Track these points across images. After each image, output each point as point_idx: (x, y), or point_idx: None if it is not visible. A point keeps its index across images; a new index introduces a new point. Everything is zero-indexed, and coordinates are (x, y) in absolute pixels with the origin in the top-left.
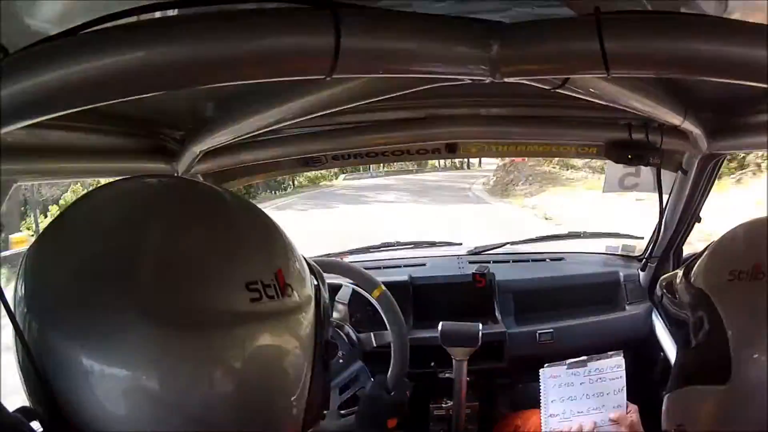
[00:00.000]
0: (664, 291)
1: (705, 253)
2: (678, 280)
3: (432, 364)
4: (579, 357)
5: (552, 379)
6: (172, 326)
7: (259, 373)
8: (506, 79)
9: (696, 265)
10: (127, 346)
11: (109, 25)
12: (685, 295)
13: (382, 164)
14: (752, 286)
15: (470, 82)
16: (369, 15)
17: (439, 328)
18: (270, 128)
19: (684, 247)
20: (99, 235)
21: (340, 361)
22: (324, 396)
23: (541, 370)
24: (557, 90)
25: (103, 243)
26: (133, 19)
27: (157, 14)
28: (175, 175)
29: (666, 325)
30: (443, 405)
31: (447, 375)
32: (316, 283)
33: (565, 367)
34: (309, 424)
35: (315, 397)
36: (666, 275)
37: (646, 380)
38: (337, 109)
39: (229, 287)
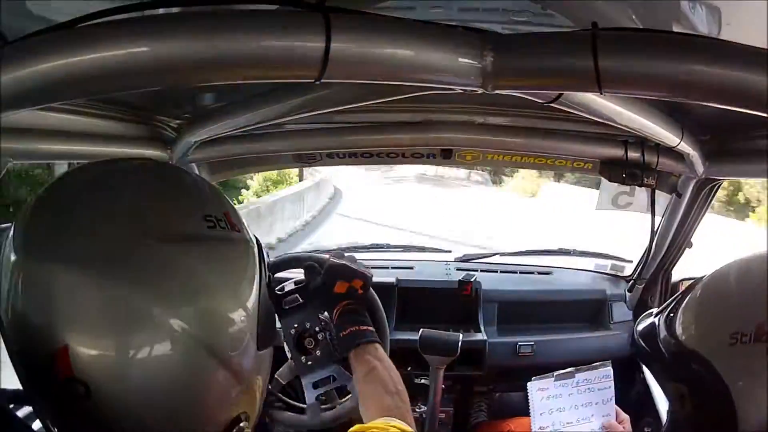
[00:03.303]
0: (646, 348)
1: (691, 305)
2: (660, 334)
3: (409, 368)
4: (556, 371)
5: (540, 392)
6: (153, 239)
7: (218, 281)
8: (498, 91)
9: (681, 318)
10: (114, 258)
11: (106, 20)
12: (678, 357)
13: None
14: (756, 350)
15: (462, 92)
16: (361, 20)
17: (419, 334)
18: (266, 123)
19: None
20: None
21: (317, 353)
22: (270, 330)
23: (528, 384)
24: (551, 104)
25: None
26: (129, 15)
27: (153, 12)
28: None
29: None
30: (416, 410)
31: (423, 381)
32: (256, 238)
33: (553, 379)
34: (261, 341)
35: (263, 320)
36: (643, 325)
37: (624, 401)
38: (332, 109)
39: (192, 216)
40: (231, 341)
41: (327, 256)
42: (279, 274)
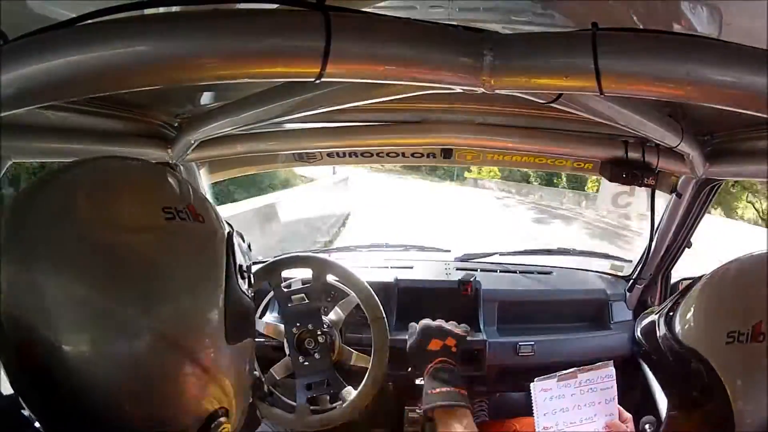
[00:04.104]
0: (646, 345)
1: (690, 304)
2: (660, 332)
3: (410, 369)
4: (559, 372)
5: (543, 392)
6: (109, 231)
7: (175, 271)
8: (498, 91)
9: (680, 316)
10: (72, 253)
11: (105, 18)
12: (676, 355)
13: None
14: (752, 349)
15: (462, 91)
16: (361, 20)
17: (419, 324)
18: (265, 122)
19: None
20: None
21: (316, 355)
22: (242, 324)
23: (531, 384)
24: (551, 104)
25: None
26: (128, 14)
27: (153, 10)
28: (169, 161)
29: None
30: (418, 410)
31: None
32: (229, 230)
33: (556, 379)
34: (232, 335)
35: (232, 312)
36: (643, 323)
37: (625, 401)
38: (332, 108)
39: (150, 208)
40: (191, 333)
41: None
42: (285, 273)
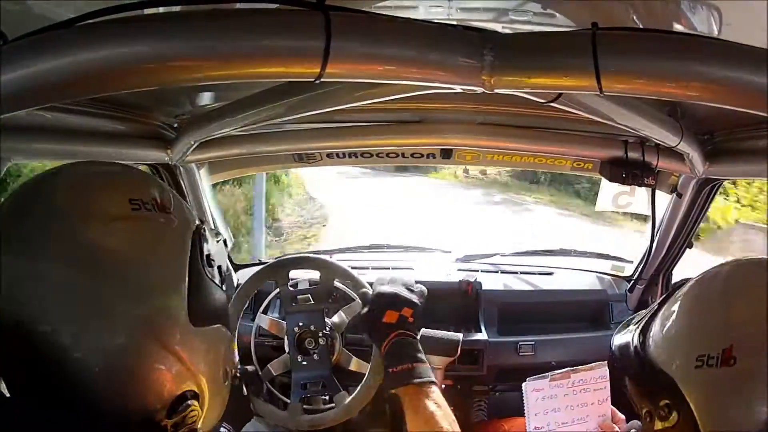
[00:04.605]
0: (619, 360)
1: (663, 321)
2: (632, 348)
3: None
4: (551, 372)
5: (535, 392)
6: (81, 221)
7: (141, 257)
8: (497, 91)
9: (653, 335)
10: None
11: (105, 19)
12: (647, 375)
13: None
14: (722, 374)
15: (462, 91)
16: (361, 20)
17: (420, 334)
18: (265, 123)
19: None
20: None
21: (314, 356)
22: (207, 308)
23: (523, 384)
24: (551, 104)
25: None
26: (128, 14)
27: (153, 10)
28: (169, 162)
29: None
30: None
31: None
32: (198, 223)
33: (548, 380)
34: (196, 318)
35: (196, 297)
36: (619, 339)
37: (620, 403)
38: (332, 109)
39: (117, 199)
40: (155, 312)
41: (376, 282)
42: (293, 274)
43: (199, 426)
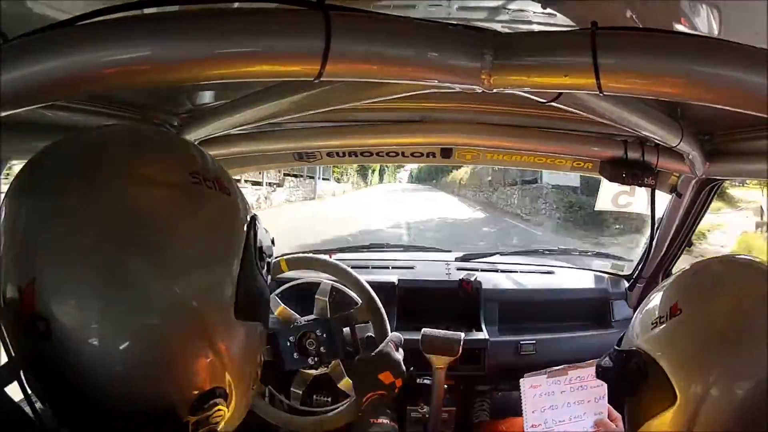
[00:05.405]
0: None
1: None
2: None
3: (411, 368)
4: (549, 368)
5: (532, 389)
6: (133, 183)
7: (196, 232)
8: (497, 90)
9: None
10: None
11: (105, 18)
12: (620, 359)
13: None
14: (673, 323)
15: (461, 91)
16: (361, 19)
17: (421, 334)
18: (265, 121)
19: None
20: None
21: (322, 349)
22: (255, 297)
23: (521, 380)
24: (551, 103)
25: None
26: (128, 13)
27: (152, 10)
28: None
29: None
30: (420, 409)
31: (426, 381)
32: (254, 214)
33: (545, 376)
34: (241, 311)
35: (245, 288)
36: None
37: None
38: (332, 108)
39: (178, 169)
40: (201, 296)
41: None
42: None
43: (220, 428)
